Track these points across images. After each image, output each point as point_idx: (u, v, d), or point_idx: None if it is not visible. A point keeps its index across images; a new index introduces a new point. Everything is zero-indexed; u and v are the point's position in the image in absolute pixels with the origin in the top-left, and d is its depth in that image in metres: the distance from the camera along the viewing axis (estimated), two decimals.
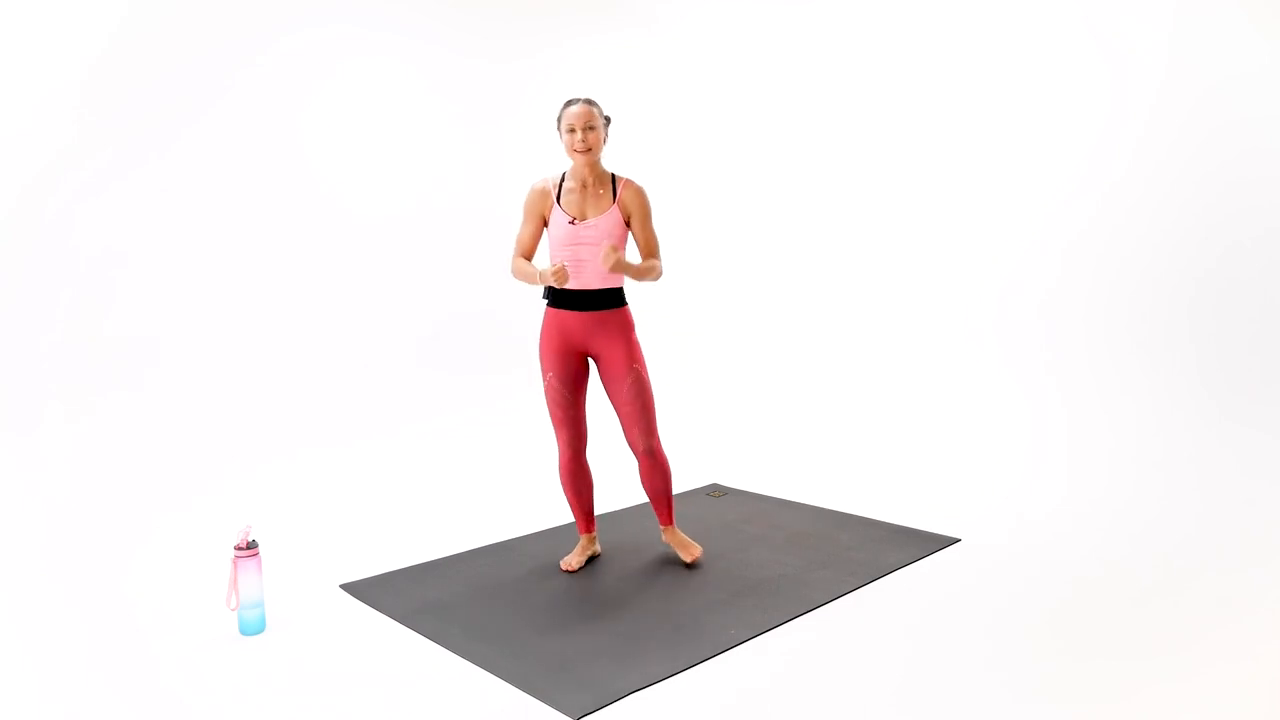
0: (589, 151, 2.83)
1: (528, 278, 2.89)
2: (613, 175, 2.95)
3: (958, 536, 3.24)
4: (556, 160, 5.02)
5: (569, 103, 2.86)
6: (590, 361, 3.01)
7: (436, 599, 2.75)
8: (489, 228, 4.79)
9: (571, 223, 2.87)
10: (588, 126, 2.82)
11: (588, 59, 5.16)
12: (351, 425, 4.21)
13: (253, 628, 2.51)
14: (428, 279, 4.56)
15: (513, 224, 4.94)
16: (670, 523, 3.06)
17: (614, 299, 2.92)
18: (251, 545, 2.52)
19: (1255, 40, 3.69)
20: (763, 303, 5.53)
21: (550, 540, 3.31)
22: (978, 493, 3.76)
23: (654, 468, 2.98)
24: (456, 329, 4.66)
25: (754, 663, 2.30)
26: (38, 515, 3.30)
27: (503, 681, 2.21)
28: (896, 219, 4.90)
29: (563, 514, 3.62)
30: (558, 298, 2.90)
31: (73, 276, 3.54)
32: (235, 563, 2.50)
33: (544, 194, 2.93)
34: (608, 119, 2.92)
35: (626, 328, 2.93)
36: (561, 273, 2.72)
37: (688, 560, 3.01)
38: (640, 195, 2.92)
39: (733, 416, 5.06)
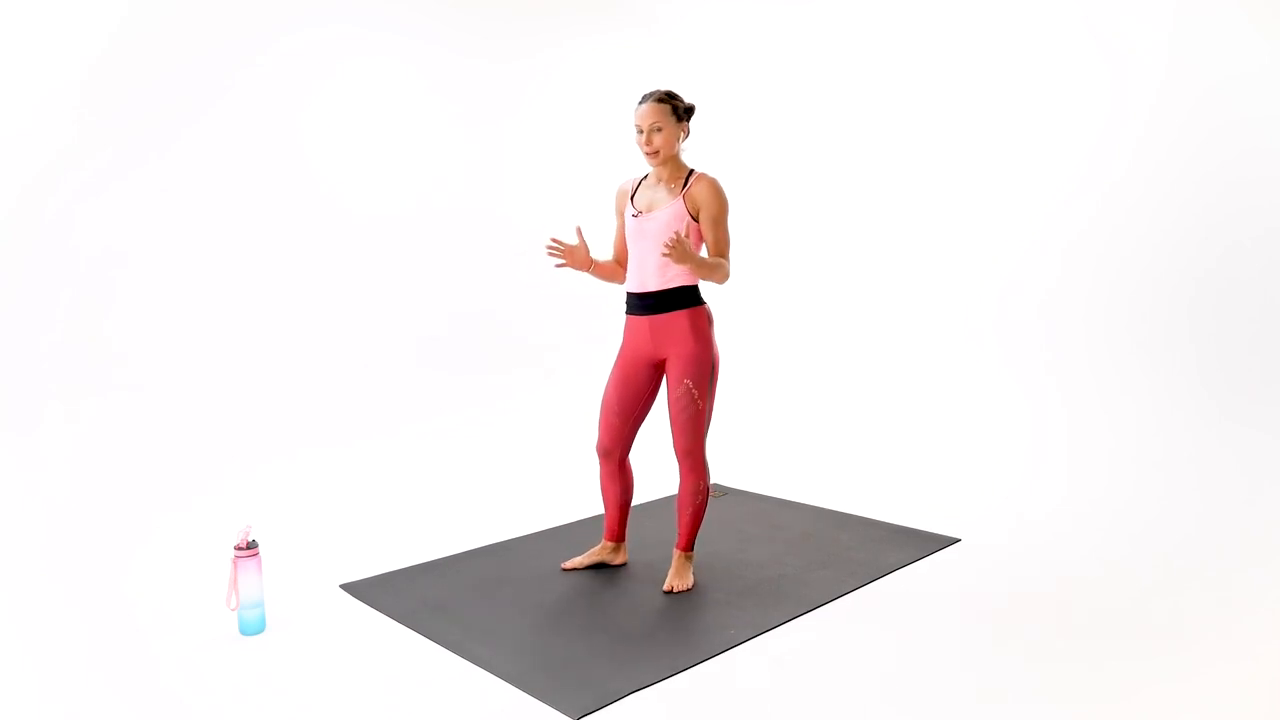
0: (656, 154, 2.71)
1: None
2: (690, 170, 2.79)
3: (958, 536, 3.24)
4: (556, 161, 5.04)
5: (642, 99, 2.73)
6: (662, 374, 2.87)
7: (436, 599, 2.75)
8: (489, 228, 4.79)
9: (635, 215, 2.78)
10: (654, 128, 2.68)
11: (588, 59, 5.16)
12: (351, 425, 4.21)
13: (253, 628, 2.51)
14: (428, 279, 4.56)
15: (513, 223, 4.95)
16: (682, 548, 2.88)
17: (675, 300, 2.75)
18: (251, 545, 2.52)
19: (1255, 40, 3.69)
20: (763, 303, 5.53)
21: (550, 540, 3.31)
22: (978, 493, 3.76)
23: (684, 478, 2.83)
24: (456, 329, 4.66)
25: (754, 663, 2.30)
26: (38, 515, 3.30)
27: (503, 681, 2.21)
28: (896, 219, 4.90)
29: (562, 514, 3.62)
30: (626, 303, 2.85)
31: (73, 276, 3.54)
32: (235, 563, 2.50)
33: (623, 192, 2.89)
34: (688, 110, 2.75)
35: (693, 333, 2.75)
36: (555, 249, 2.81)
37: (666, 587, 2.80)
38: (711, 190, 2.71)
39: (733, 417, 5.05)
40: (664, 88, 2.80)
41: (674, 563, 2.88)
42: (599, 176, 5.18)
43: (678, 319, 2.76)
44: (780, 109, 5.40)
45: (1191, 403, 3.90)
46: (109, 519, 3.37)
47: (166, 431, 3.72)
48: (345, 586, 2.86)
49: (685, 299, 2.77)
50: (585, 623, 2.58)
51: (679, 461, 2.83)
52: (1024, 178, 4.38)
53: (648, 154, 2.73)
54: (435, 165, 4.59)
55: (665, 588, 2.81)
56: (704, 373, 2.75)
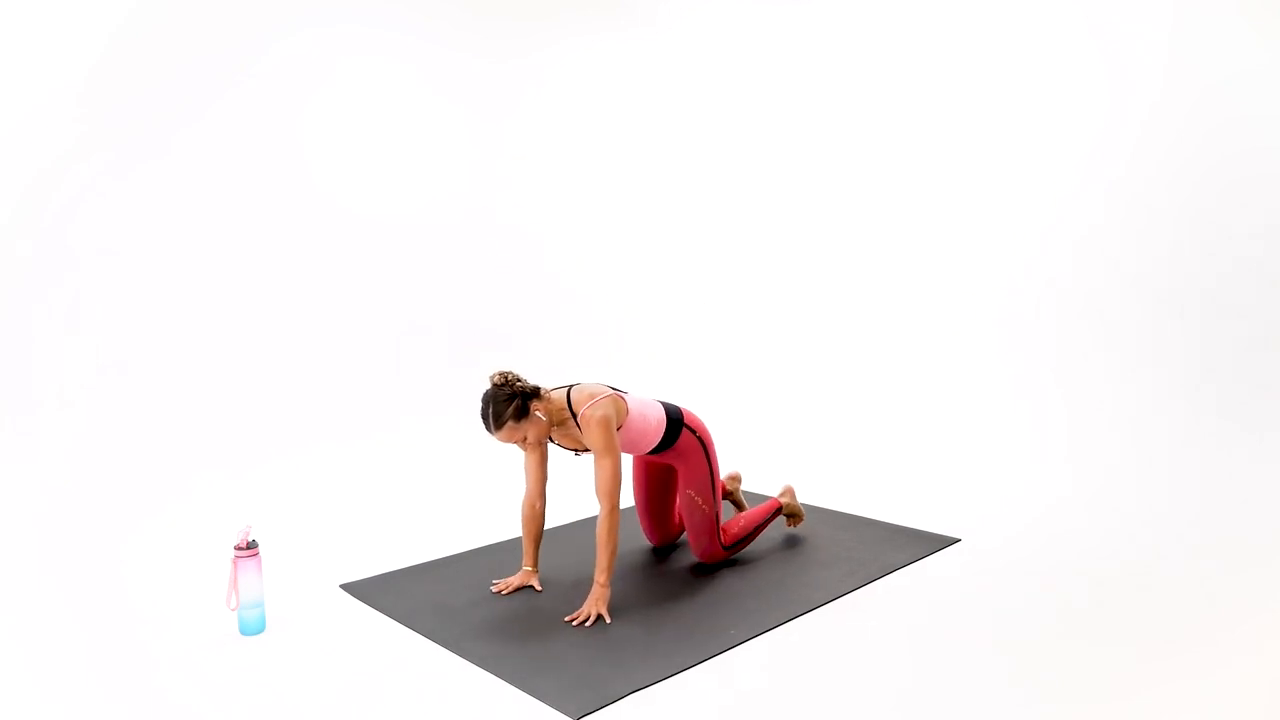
0: (540, 440, 2.75)
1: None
2: (569, 407, 2.70)
3: (958, 536, 3.24)
4: (555, 160, 5.04)
5: (486, 429, 2.67)
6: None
7: (436, 599, 2.75)
8: (490, 227, 4.79)
9: (578, 455, 2.87)
10: (519, 440, 2.67)
11: (587, 59, 5.16)
12: (351, 425, 4.21)
13: (253, 628, 2.51)
14: (429, 278, 4.56)
15: (513, 222, 4.95)
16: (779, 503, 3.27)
17: (660, 446, 2.88)
18: (251, 545, 2.52)
19: (1255, 40, 3.69)
20: (763, 303, 5.53)
21: (551, 540, 3.31)
22: (978, 493, 3.76)
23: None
24: (457, 328, 4.66)
25: (754, 663, 2.30)
26: (37, 516, 3.30)
27: (503, 681, 2.21)
28: (896, 218, 4.90)
29: (562, 514, 3.62)
30: None
31: (72, 277, 3.54)
32: (235, 563, 2.50)
33: (540, 432, 2.73)
34: (521, 399, 2.60)
35: (687, 454, 2.91)
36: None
37: (790, 523, 3.30)
38: (590, 431, 2.64)
39: (733, 417, 5.05)
40: (484, 412, 2.60)
41: (786, 504, 3.28)
42: (599, 176, 5.18)
43: (670, 454, 2.93)
44: (781, 108, 5.40)
45: (1191, 402, 3.90)
46: (109, 519, 3.37)
47: (167, 431, 3.72)
48: (345, 586, 2.86)
49: (669, 439, 2.88)
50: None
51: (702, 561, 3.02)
52: (1023, 178, 4.38)
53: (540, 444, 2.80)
54: (435, 165, 4.59)
55: (790, 522, 3.31)
56: (705, 482, 2.94)
